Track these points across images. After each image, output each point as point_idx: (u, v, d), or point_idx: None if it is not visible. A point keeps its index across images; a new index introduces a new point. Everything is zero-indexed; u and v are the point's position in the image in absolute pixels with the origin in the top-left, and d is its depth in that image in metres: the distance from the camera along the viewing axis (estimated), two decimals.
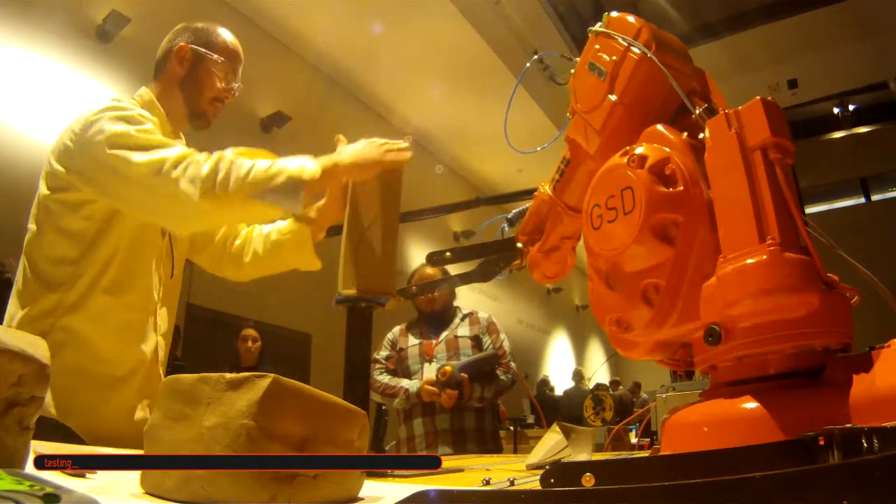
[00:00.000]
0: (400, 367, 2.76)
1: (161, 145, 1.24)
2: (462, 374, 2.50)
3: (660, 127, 0.87)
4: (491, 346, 2.71)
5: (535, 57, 1.22)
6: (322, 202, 1.51)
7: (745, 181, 0.72)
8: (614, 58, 0.93)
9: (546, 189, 1.15)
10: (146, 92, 1.46)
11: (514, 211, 1.24)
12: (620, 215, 0.79)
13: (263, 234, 1.61)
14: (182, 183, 1.19)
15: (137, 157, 1.21)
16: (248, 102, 6.68)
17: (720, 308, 0.71)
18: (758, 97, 0.74)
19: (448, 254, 1.26)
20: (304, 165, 1.24)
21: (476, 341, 2.71)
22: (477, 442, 2.60)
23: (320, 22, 6.89)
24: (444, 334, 2.75)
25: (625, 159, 0.82)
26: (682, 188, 0.78)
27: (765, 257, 0.68)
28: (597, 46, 0.97)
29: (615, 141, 0.92)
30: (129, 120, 1.27)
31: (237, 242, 1.63)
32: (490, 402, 2.63)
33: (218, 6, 6.36)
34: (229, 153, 1.25)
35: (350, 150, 1.29)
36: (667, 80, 0.86)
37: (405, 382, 2.65)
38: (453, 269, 1.27)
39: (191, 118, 1.50)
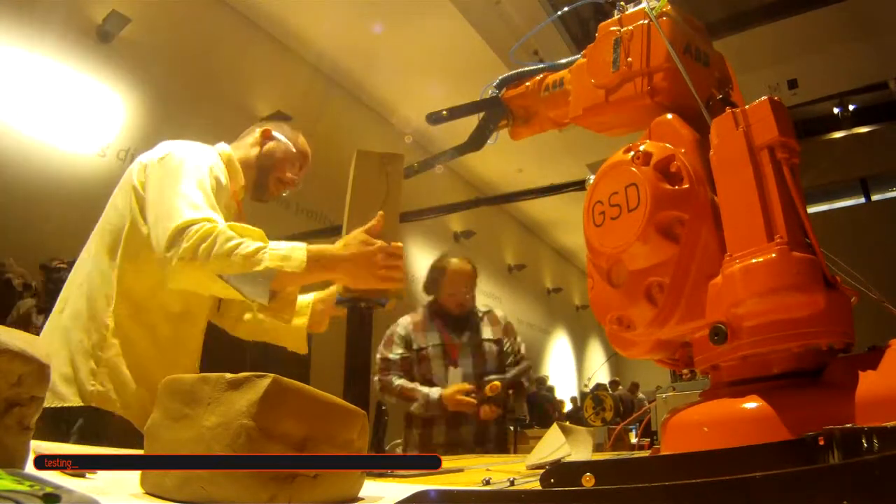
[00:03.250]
0: (418, 368, 2.56)
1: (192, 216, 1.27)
2: (509, 390, 2.46)
3: (670, 117, 0.85)
4: (511, 350, 2.63)
5: (497, 92, 1.24)
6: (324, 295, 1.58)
7: (753, 180, 0.71)
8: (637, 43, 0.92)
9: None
10: (226, 151, 1.59)
11: (503, 76, 1.24)
12: (624, 212, 0.78)
13: None
14: (170, 243, 1.23)
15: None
16: (248, 102, 6.68)
17: (726, 307, 0.70)
18: (765, 97, 0.74)
19: (444, 112, 1.28)
20: (291, 256, 1.22)
21: (499, 345, 2.61)
22: (498, 446, 2.56)
23: (320, 22, 6.88)
24: (466, 335, 2.60)
25: (629, 155, 0.81)
26: (687, 186, 0.77)
27: (773, 256, 0.67)
28: (616, 28, 0.95)
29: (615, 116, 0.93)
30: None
31: None
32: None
33: (218, 6, 6.35)
34: (222, 224, 1.25)
35: (349, 254, 1.25)
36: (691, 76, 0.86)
37: (425, 389, 2.48)
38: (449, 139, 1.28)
39: (254, 188, 1.62)
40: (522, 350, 2.69)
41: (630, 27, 0.93)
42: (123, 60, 5.27)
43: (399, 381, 2.52)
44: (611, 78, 0.93)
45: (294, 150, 1.66)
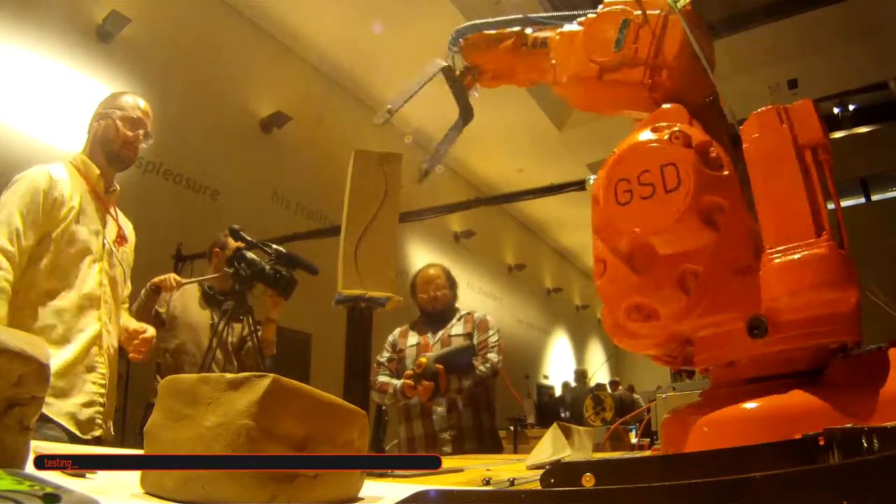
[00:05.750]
0: (399, 366, 2.79)
1: None
2: (437, 365, 2.50)
3: (668, 106, 0.84)
4: (478, 342, 2.73)
5: (443, 64, 1.23)
6: None
7: (800, 176, 0.71)
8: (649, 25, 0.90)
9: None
10: (78, 156, 1.93)
11: (458, 28, 1.21)
12: (660, 192, 0.73)
13: None
14: None
15: None
16: (248, 102, 6.67)
17: (767, 300, 0.68)
18: (808, 99, 0.74)
19: (389, 107, 1.32)
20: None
21: (468, 338, 2.74)
22: (477, 441, 2.60)
23: (320, 22, 6.88)
24: (440, 333, 2.78)
25: (662, 135, 0.77)
26: (727, 173, 0.75)
27: (824, 251, 0.67)
28: (625, 8, 0.93)
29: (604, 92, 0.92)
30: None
31: None
32: (469, 392, 2.64)
33: (218, 6, 6.35)
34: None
35: None
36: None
37: (395, 381, 2.68)
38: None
39: (110, 162, 1.94)
40: (490, 341, 2.74)
41: (644, 12, 0.90)
42: (123, 60, 5.26)
43: (382, 378, 2.74)
44: (611, 57, 0.90)
45: (119, 115, 1.93)
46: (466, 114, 1.26)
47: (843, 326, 0.68)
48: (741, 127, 0.78)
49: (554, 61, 0.99)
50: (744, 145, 0.76)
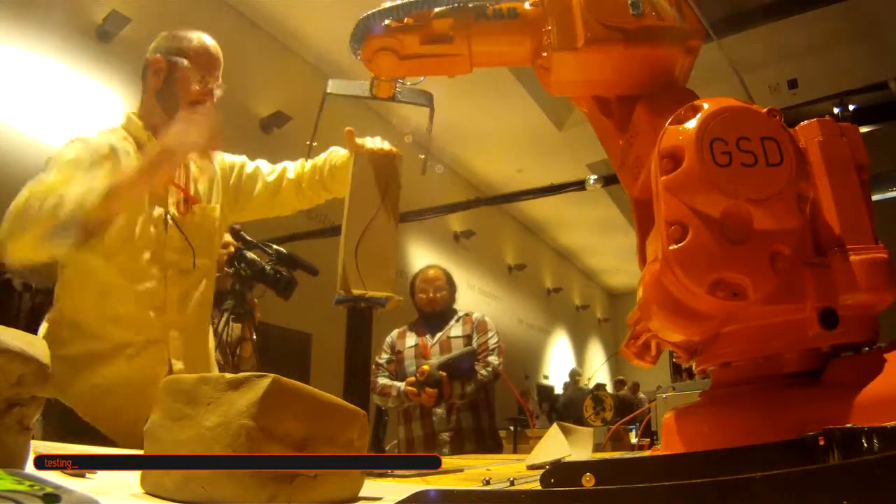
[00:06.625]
0: (398, 368, 2.79)
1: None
2: (440, 372, 2.51)
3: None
4: (478, 344, 2.74)
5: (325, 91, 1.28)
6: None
7: (859, 186, 0.74)
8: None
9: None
10: (132, 117, 1.53)
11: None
12: (762, 164, 0.70)
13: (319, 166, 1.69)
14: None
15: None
16: (248, 102, 6.68)
17: (840, 293, 0.69)
18: (856, 125, 0.78)
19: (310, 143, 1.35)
20: (86, 197, 1.20)
21: (468, 340, 2.75)
22: (476, 442, 2.61)
23: (320, 22, 6.88)
24: (438, 335, 2.79)
25: (762, 109, 0.74)
26: (810, 168, 0.76)
27: (886, 256, 0.70)
28: None
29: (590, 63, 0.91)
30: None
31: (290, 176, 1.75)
32: (472, 397, 2.65)
33: (218, 6, 6.36)
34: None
35: (156, 152, 1.33)
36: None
37: (398, 384, 2.69)
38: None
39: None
40: (489, 343, 2.75)
41: None
42: (123, 60, 5.26)
43: (382, 381, 2.75)
44: (631, 21, 0.88)
45: (188, 63, 1.48)
46: (428, 100, 1.24)
47: (876, 326, 0.72)
48: (797, 127, 0.78)
49: (550, 27, 0.92)
50: (803, 144, 0.76)
